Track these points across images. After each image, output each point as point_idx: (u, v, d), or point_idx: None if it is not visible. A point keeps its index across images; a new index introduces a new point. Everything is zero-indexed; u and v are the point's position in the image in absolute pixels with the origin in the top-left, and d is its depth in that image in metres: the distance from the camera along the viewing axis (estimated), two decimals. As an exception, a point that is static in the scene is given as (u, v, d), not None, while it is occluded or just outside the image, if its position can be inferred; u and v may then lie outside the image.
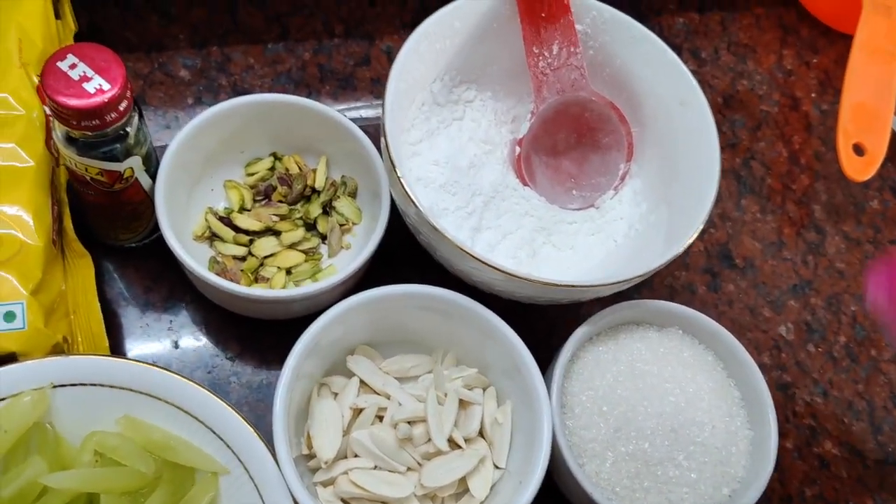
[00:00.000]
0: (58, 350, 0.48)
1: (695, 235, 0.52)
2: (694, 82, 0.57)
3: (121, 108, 0.46)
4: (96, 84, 0.44)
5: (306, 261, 0.57)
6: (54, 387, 0.46)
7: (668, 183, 0.58)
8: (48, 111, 0.53)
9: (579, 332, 0.52)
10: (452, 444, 0.51)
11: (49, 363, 0.46)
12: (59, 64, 0.44)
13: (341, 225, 0.59)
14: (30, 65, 0.53)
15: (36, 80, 0.53)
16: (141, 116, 0.49)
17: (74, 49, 0.45)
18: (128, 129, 0.48)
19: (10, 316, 0.47)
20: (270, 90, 0.64)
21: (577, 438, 0.50)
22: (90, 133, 0.46)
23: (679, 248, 0.52)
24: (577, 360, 0.52)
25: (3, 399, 0.46)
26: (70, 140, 0.47)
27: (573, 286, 0.50)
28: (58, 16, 0.58)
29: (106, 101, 0.44)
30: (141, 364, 0.47)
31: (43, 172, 0.51)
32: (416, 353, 0.55)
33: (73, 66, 0.44)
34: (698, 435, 0.50)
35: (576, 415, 0.51)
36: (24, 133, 0.51)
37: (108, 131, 0.46)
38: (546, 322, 0.60)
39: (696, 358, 0.53)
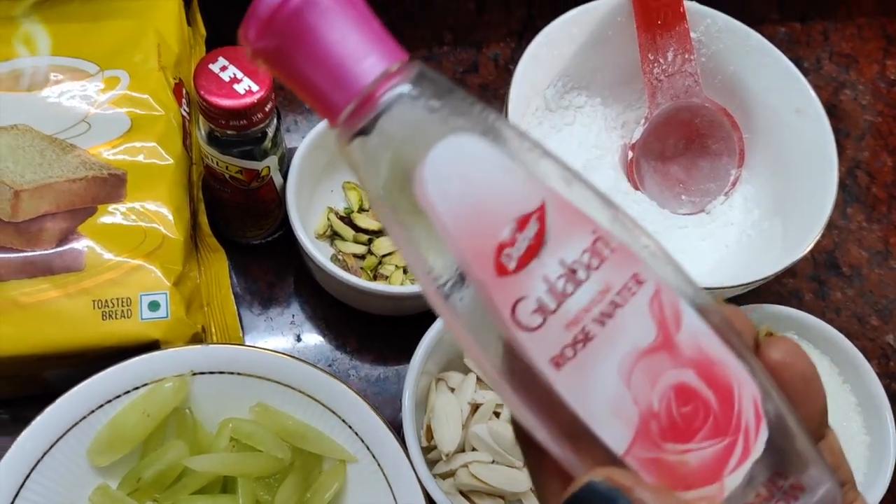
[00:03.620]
0: (197, 339, 0.51)
1: (813, 243, 0.52)
2: (811, 91, 0.58)
3: (266, 109, 0.48)
4: (246, 85, 0.47)
5: (423, 260, 0.59)
6: (193, 374, 0.48)
7: (781, 190, 0.58)
8: (184, 112, 0.55)
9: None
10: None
11: (190, 351, 0.48)
12: (210, 66, 0.47)
13: (458, 226, 0.61)
14: (167, 68, 0.55)
15: (173, 82, 0.55)
16: (279, 118, 0.51)
17: (224, 52, 0.47)
18: (268, 131, 0.50)
19: (154, 305, 0.49)
20: (383, 96, 0.66)
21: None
22: (234, 132, 0.48)
23: (798, 254, 0.52)
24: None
25: (146, 384, 0.48)
26: (213, 138, 0.50)
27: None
28: (188, 22, 0.60)
29: (255, 101, 0.46)
30: (276, 354, 0.49)
31: (181, 170, 0.53)
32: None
33: (223, 69, 0.47)
34: (817, 439, 0.50)
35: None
36: (164, 133, 0.53)
37: (251, 131, 0.49)
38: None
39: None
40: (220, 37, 0.66)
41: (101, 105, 0.53)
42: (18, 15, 0.55)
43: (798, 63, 0.74)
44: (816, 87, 0.72)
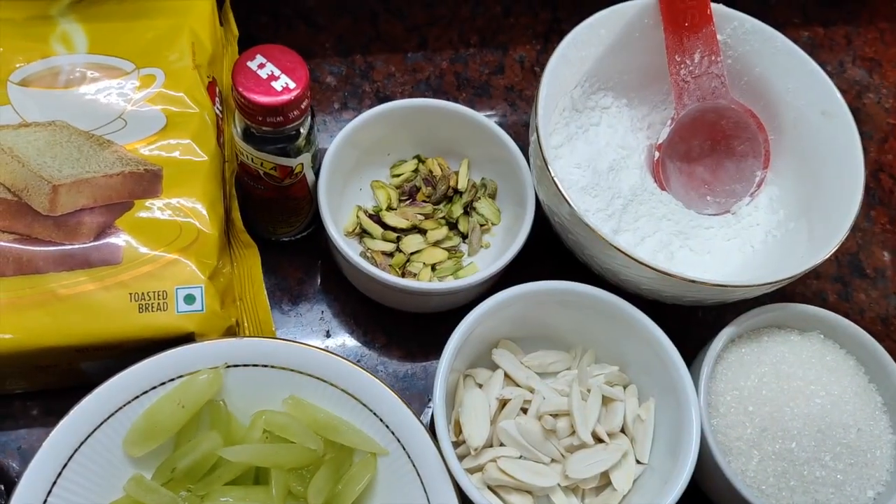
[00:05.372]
0: (231, 332, 0.51)
1: (838, 244, 0.53)
2: (837, 93, 0.58)
3: (302, 107, 0.48)
4: (283, 83, 0.47)
5: (449, 258, 0.60)
6: (227, 367, 0.49)
7: (807, 191, 0.59)
8: (218, 110, 0.56)
9: (726, 332, 0.53)
10: (595, 438, 0.52)
11: (224, 344, 0.49)
12: (248, 63, 0.48)
13: (481, 225, 0.61)
14: (201, 66, 0.56)
15: (207, 80, 0.56)
16: (313, 117, 0.52)
17: (262, 50, 0.48)
18: (302, 129, 0.51)
19: (190, 298, 0.50)
20: (410, 97, 0.67)
21: (722, 437, 0.51)
22: (270, 129, 0.49)
23: (823, 255, 0.53)
24: (720, 360, 0.53)
25: (180, 376, 0.48)
26: (248, 135, 0.50)
27: (724, 286, 0.51)
28: (221, 22, 0.61)
29: (292, 98, 0.47)
30: (308, 347, 0.49)
31: (215, 167, 0.54)
32: (556, 350, 0.57)
33: (261, 66, 0.48)
34: (844, 437, 0.50)
35: (720, 413, 0.51)
36: (199, 130, 0.54)
37: (286, 128, 0.49)
38: (675, 325, 0.61)
39: (839, 362, 0.53)
40: (251, 38, 0.67)
41: (136, 102, 0.54)
42: (55, 14, 0.57)
43: (821, 67, 0.74)
44: (839, 91, 0.74)
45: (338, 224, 0.59)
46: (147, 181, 0.52)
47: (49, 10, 0.57)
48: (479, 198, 0.62)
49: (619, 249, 0.50)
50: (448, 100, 0.67)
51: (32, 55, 0.55)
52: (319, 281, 0.60)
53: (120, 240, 0.50)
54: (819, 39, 0.75)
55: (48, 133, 0.53)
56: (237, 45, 0.62)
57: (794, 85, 0.59)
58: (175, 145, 0.53)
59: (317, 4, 0.69)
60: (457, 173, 0.62)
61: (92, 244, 0.50)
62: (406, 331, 0.59)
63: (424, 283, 0.56)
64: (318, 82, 0.67)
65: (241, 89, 0.47)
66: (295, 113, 0.48)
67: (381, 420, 0.49)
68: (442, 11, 0.70)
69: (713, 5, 0.59)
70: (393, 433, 0.49)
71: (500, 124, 0.67)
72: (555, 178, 0.51)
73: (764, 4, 0.76)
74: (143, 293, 0.49)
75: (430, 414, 0.56)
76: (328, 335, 0.58)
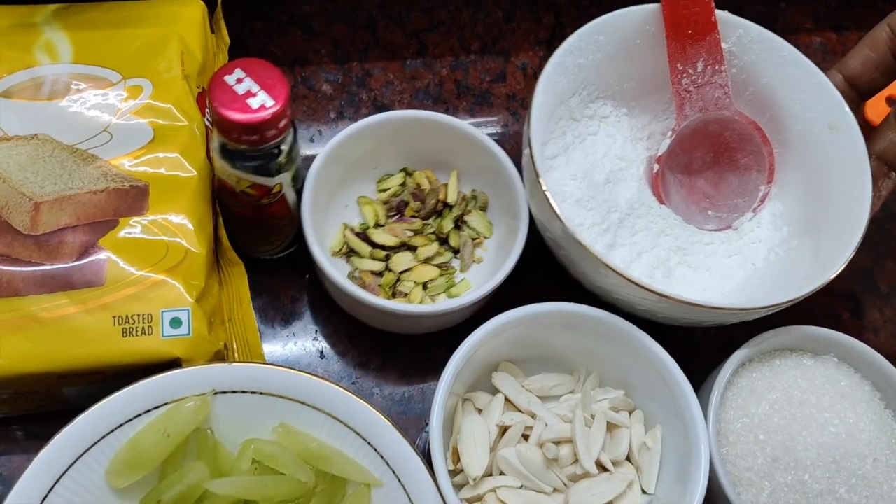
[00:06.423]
0: (219, 357, 0.49)
1: (844, 265, 0.51)
2: (845, 106, 0.56)
3: (280, 126, 0.46)
4: (260, 100, 0.45)
5: (441, 275, 0.58)
6: (215, 393, 0.47)
7: (812, 207, 0.57)
8: (208, 122, 0.54)
9: (737, 356, 0.51)
10: (599, 466, 0.50)
11: (211, 370, 0.47)
12: (226, 77, 0.45)
13: (473, 239, 0.59)
14: (191, 77, 0.54)
15: (196, 91, 0.54)
16: (295, 134, 0.50)
17: (242, 64, 0.46)
18: (283, 147, 0.49)
19: (176, 322, 0.48)
20: (409, 105, 0.65)
21: (732, 467, 0.49)
22: (247, 147, 0.47)
23: (828, 276, 0.50)
24: (730, 385, 0.51)
25: (166, 404, 0.46)
26: (225, 151, 0.48)
27: (722, 308, 0.49)
28: (212, 29, 0.59)
29: (268, 117, 0.45)
30: (299, 373, 0.47)
31: (204, 182, 0.52)
32: (557, 372, 0.54)
33: (239, 81, 0.45)
34: (860, 467, 0.48)
35: (730, 442, 0.49)
36: (187, 143, 0.52)
37: (265, 146, 0.47)
38: (680, 345, 0.59)
39: (854, 387, 0.51)
40: (244, 44, 0.65)
41: (123, 115, 0.52)
42: (40, 22, 0.54)
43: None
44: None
45: (323, 244, 0.56)
46: (132, 198, 0.50)
47: (33, 17, 0.55)
48: (470, 211, 0.59)
49: (611, 268, 0.48)
50: (448, 108, 0.66)
51: (15, 65, 0.53)
52: (314, 299, 0.58)
53: (103, 260, 0.48)
54: (831, 45, 0.73)
55: (30, 147, 0.51)
56: (228, 54, 0.59)
57: (801, 97, 0.57)
58: (162, 160, 0.51)
59: (312, 9, 0.67)
60: (446, 186, 0.60)
61: (74, 265, 0.48)
62: (402, 351, 0.57)
63: (414, 305, 0.54)
64: (314, 90, 0.64)
65: (215, 104, 0.45)
66: (272, 132, 0.46)
67: (375, 449, 0.47)
68: (442, 17, 0.68)
69: (718, 12, 0.57)
70: (387, 463, 0.47)
71: (502, 133, 0.65)
72: (547, 193, 0.49)
73: (774, 9, 0.73)
74: (127, 316, 0.47)
75: (427, 439, 0.54)
76: (322, 356, 0.56)
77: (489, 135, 0.58)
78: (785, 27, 0.73)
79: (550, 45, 0.69)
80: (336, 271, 0.52)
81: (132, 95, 0.53)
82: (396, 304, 0.53)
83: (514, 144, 0.64)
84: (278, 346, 0.56)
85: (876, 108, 0.68)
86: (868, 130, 0.69)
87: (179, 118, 0.52)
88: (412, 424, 0.55)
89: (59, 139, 0.51)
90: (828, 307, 0.62)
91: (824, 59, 0.72)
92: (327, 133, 0.63)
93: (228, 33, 0.62)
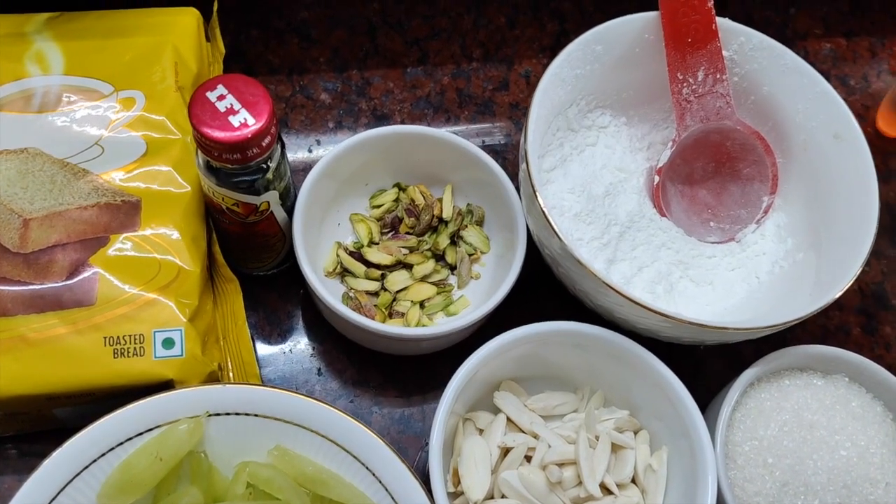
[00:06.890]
0: (213, 378, 0.48)
1: (850, 282, 0.49)
2: (850, 115, 0.54)
3: (263, 144, 0.45)
4: (241, 118, 0.44)
5: (438, 293, 0.56)
6: (209, 415, 0.46)
7: (817, 219, 0.55)
8: (201, 135, 0.53)
9: (745, 377, 0.49)
10: (604, 489, 0.49)
11: (205, 391, 0.46)
12: (208, 94, 0.44)
13: (470, 255, 0.58)
14: (185, 88, 0.53)
15: (190, 103, 0.53)
16: (283, 151, 0.48)
17: (225, 80, 0.44)
18: (269, 164, 0.47)
19: (168, 343, 0.46)
20: (409, 115, 0.63)
21: (740, 491, 0.48)
22: (230, 165, 0.46)
23: (834, 294, 0.49)
24: (738, 406, 0.50)
25: (158, 426, 0.45)
26: (210, 169, 0.47)
27: (726, 328, 0.47)
28: (207, 38, 0.58)
29: (249, 136, 0.44)
30: (295, 395, 0.46)
31: (198, 197, 0.51)
32: (561, 391, 0.53)
33: (221, 98, 0.44)
34: (871, 493, 0.47)
35: (738, 466, 0.48)
36: (180, 157, 0.51)
37: (249, 165, 0.46)
38: (684, 363, 0.58)
39: (865, 408, 0.50)
40: (240, 53, 0.64)
41: (115, 128, 0.51)
42: (31, 31, 0.53)
43: (844, 80, 0.71)
44: (864, 106, 0.70)
45: (316, 264, 0.55)
46: (124, 213, 0.49)
47: (24, 27, 0.54)
48: (466, 226, 0.58)
49: (611, 287, 0.46)
50: (449, 118, 0.64)
51: (5, 77, 0.52)
52: (311, 315, 0.56)
53: (94, 279, 0.47)
54: (842, 51, 0.71)
55: (20, 161, 0.50)
56: (224, 63, 0.58)
57: (805, 105, 0.56)
58: (155, 174, 0.50)
59: (310, 16, 0.65)
60: (440, 201, 0.58)
61: (64, 284, 0.47)
62: (402, 369, 0.56)
63: (412, 329, 0.52)
64: (312, 99, 0.63)
65: (195, 122, 0.43)
66: (255, 150, 0.44)
67: (373, 473, 0.46)
68: (443, 23, 0.67)
69: (719, 19, 0.55)
70: (385, 488, 0.45)
71: (504, 143, 0.64)
72: (544, 209, 0.48)
73: (783, 14, 0.72)
74: (118, 337, 0.46)
75: (426, 459, 0.53)
76: (319, 373, 0.55)
77: (491, 145, 0.57)
78: (794, 33, 0.72)
79: (554, 52, 0.67)
80: (330, 294, 0.51)
81: (125, 107, 0.51)
82: (393, 328, 0.51)
83: (517, 154, 0.62)
84: (275, 363, 0.55)
85: (887, 118, 0.67)
86: (879, 140, 0.67)
87: (173, 131, 0.51)
88: (412, 444, 0.54)
89: (50, 153, 0.50)
90: (837, 322, 0.61)
91: (834, 66, 0.71)
92: (325, 143, 0.62)
93: (224, 42, 0.61)
